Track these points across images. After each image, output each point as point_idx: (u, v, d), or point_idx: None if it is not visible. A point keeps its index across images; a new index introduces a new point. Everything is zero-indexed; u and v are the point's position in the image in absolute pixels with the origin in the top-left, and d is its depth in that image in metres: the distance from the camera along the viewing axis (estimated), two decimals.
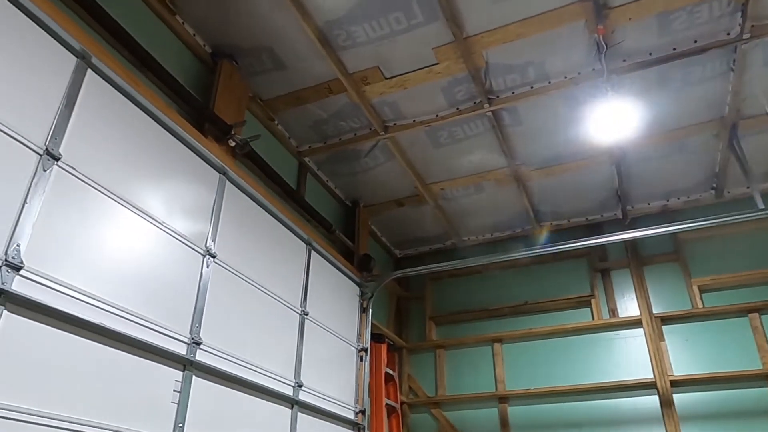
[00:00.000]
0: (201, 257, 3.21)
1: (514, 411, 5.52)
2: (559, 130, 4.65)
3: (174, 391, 2.83)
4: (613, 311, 5.52)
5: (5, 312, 2.12)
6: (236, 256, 3.52)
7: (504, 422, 5.48)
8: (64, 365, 2.31)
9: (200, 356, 3.02)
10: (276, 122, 4.59)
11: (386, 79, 4.14)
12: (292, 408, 3.78)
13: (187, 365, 2.93)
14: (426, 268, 5.27)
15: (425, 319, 6.30)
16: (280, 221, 4.08)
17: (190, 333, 3.00)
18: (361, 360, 4.89)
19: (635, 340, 5.31)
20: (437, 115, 4.46)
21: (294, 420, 3.77)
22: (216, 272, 3.31)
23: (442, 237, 6.33)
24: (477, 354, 5.94)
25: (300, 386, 3.88)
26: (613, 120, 4.12)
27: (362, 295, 5.14)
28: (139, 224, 2.84)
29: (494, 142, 4.78)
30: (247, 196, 3.77)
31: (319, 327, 4.33)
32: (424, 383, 6.04)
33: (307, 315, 4.15)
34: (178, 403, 2.83)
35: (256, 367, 3.47)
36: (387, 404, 5.19)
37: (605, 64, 3.84)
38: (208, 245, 3.26)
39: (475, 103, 4.34)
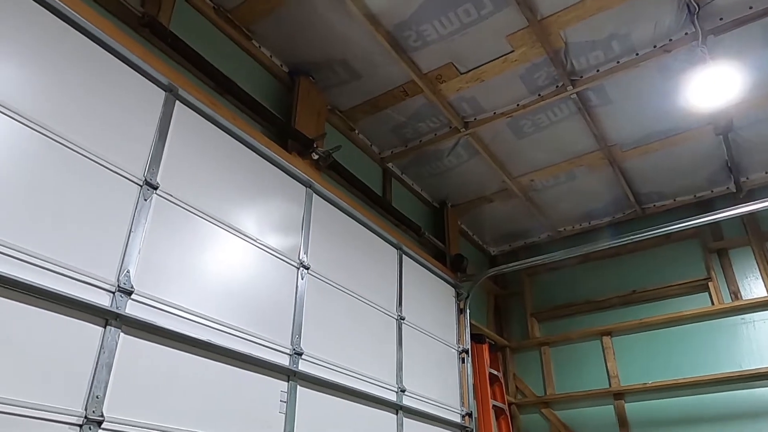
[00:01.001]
0: (295, 270, 3.29)
1: (632, 407, 5.18)
2: (653, 104, 4.33)
3: (281, 401, 2.91)
4: (735, 294, 5.04)
5: (122, 334, 2.27)
6: (329, 266, 3.58)
7: (622, 420, 5.16)
8: (178, 381, 2.44)
9: (303, 366, 3.09)
10: (357, 132, 4.64)
11: (461, 74, 4.06)
12: (397, 413, 3.78)
13: (290, 376, 3.00)
14: (522, 263, 5.09)
15: (526, 317, 6.10)
16: (368, 228, 4.11)
17: (291, 344, 3.07)
18: (463, 362, 4.80)
19: (765, 324, 4.82)
20: (518, 105, 4.31)
21: (400, 425, 3.76)
22: (311, 283, 3.37)
23: (536, 230, 6.10)
24: (585, 349, 5.65)
25: (403, 391, 3.87)
26: (713, 86, 3.79)
27: (458, 295, 5.05)
28: (235, 243, 2.96)
29: (582, 125, 4.54)
30: (334, 206, 3.82)
31: (417, 331, 4.31)
32: (532, 382, 5.83)
33: (403, 320, 4.14)
34: (286, 413, 2.91)
35: (358, 374, 3.50)
36: (494, 406, 5.06)
37: (699, 26, 3.53)
38: (301, 258, 3.34)
39: (557, 86, 4.15)
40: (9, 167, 2.08)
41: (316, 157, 3.75)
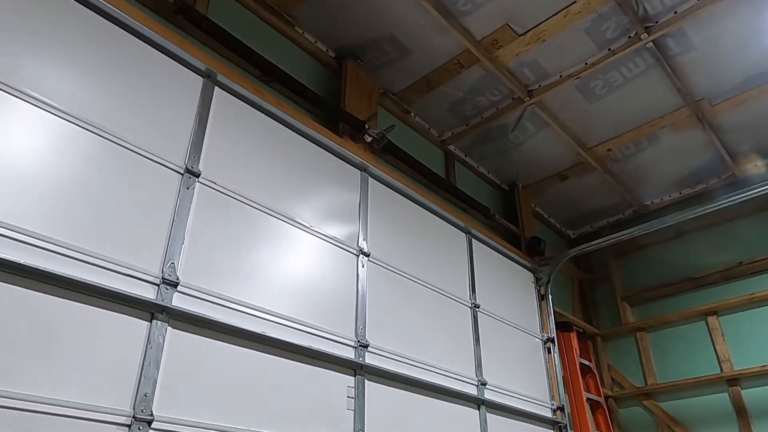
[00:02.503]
0: (355, 257, 3.08)
1: (750, 394, 4.57)
2: (745, 45, 3.80)
3: (348, 397, 2.69)
4: None
5: (169, 328, 2.13)
6: (391, 253, 3.34)
7: (740, 409, 4.56)
8: (232, 377, 2.27)
9: (369, 359, 2.86)
10: (413, 114, 4.39)
11: (519, 36, 3.72)
12: (479, 408, 3.47)
13: (357, 369, 2.78)
14: (605, 240, 4.62)
15: (617, 301, 5.57)
16: (432, 212, 3.84)
17: (356, 336, 2.85)
18: (549, 352, 4.40)
19: None
20: (587, 63, 3.91)
21: (483, 421, 3.44)
22: (373, 271, 3.15)
23: (619, 206, 5.58)
24: (688, 332, 5.07)
25: (484, 384, 3.55)
26: None
27: (537, 281, 4.66)
28: (288, 231, 2.78)
29: (663, 80, 4.06)
30: (393, 189, 3.59)
31: (495, 319, 3.97)
32: (629, 372, 5.31)
33: (478, 308, 3.82)
34: (354, 410, 2.68)
35: (432, 366, 3.23)
36: (589, 399, 4.62)
37: None
38: (360, 244, 3.12)
39: (629, 37, 3.72)
40: (52, 162, 2.00)
41: (369, 139, 3.54)
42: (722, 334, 4.85)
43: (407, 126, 4.43)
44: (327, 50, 3.83)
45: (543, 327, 4.48)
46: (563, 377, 4.49)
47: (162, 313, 2.12)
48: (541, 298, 4.61)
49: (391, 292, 3.22)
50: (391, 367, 2.97)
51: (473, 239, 4.11)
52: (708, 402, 4.77)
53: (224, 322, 2.29)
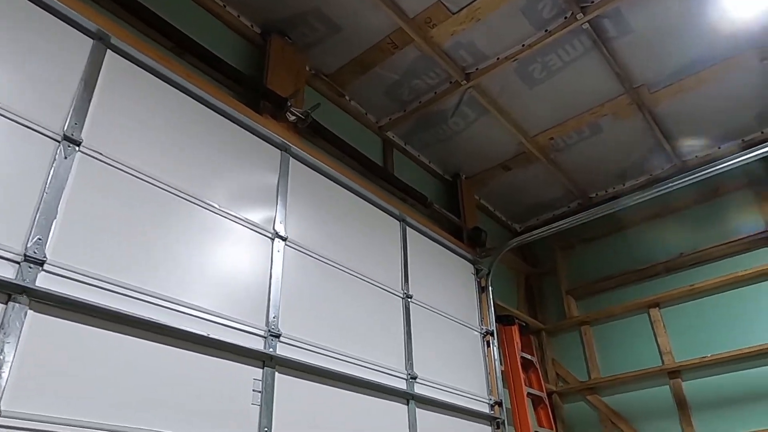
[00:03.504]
0: (269, 241, 2.85)
1: (690, 386, 4.52)
2: (682, 27, 3.73)
3: (254, 391, 2.46)
4: None
5: (30, 312, 1.87)
6: (314, 239, 3.13)
7: (680, 401, 4.50)
8: (117, 369, 2.02)
9: (281, 350, 2.63)
10: (347, 98, 4.19)
11: (453, 14, 3.57)
12: (408, 403, 3.27)
13: (266, 361, 2.56)
14: (545, 230, 4.49)
15: (562, 295, 5.48)
16: (363, 197, 3.64)
17: (267, 325, 2.62)
18: (488, 345, 4.25)
19: None
20: (524, 45, 3.79)
21: (412, 417, 3.25)
22: (291, 257, 2.93)
23: (564, 198, 5.49)
24: (631, 325, 5.00)
25: (414, 378, 3.36)
26: None
27: (477, 272, 4.51)
28: (195, 212, 2.55)
29: (601, 64, 3.97)
30: (319, 172, 3.38)
31: (429, 311, 3.80)
32: (573, 367, 5.21)
33: (410, 298, 3.64)
34: (261, 405, 2.45)
35: (356, 358, 3.02)
36: (530, 394, 4.49)
37: None
38: (276, 228, 2.90)
39: (565, 17, 3.60)
40: None
41: (292, 118, 3.32)
42: (664, 326, 4.79)
43: (342, 111, 4.23)
44: (252, 25, 3.60)
45: (482, 320, 4.33)
46: (503, 372, 4.35)
47: (22, 295, 1.86)
48: (482, 290, 4.46)
49: (312, 280, 3.01)
50: (308, 359, 2.75)
51: (408, 228, 3.93)
52: (650, 395, 4.70)
53: (104, 306, 2.03)
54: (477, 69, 3.97)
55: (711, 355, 4.40)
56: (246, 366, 2.48)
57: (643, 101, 4.30)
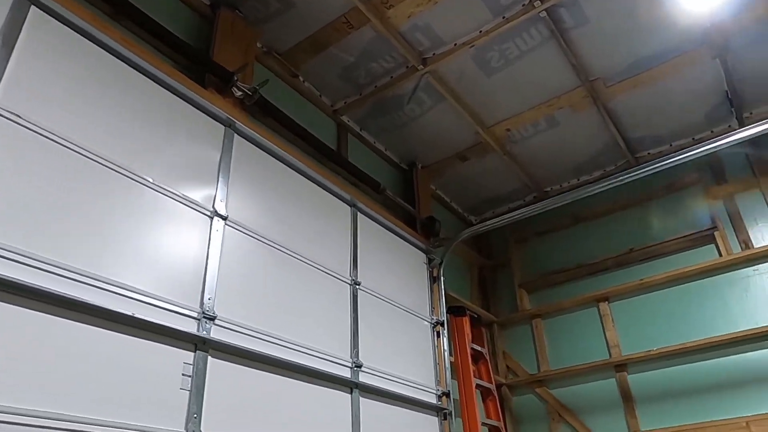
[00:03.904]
0: (208, 220, 2.71)
1: (635, 379, 4.57)
2: (638, 23, 3.73)
3: (183, 375, 2.32)
4: (745, 243, 4.44)
5: None
6: (257, 219, 3.00)
7: (626, 394, 4.55)
8: (30, 350, 1.85)
9: (216, 333, 2.50)
10: (301, 79, 4.06)
11: None
12: (352, 392, 3.18)
13: (198, 344, 2.42)
14: (498, 221, 4.47)
15: (515, 288, 5.49)
16: (312, 180, 3.52)
17: (201, 307, 2.49)
18: (438, 336, 4.20)
19: None
20: (481, 31, 3.73)
21: (356, 406, 3.16)
22: (231, 237, 2.79)
23: (520, 192, 5.48)
24: (581, 319, 5.04)
25: (359, 367, 3.27)
26: None
27: (430, 262, 4.45)
28: (127, 185, 2.39)
29: (558, 55, 3.95)
30: (265, 151, 3.24)
31: (378, 299, 3.71)
32: (524, 360, 5.22)
33: (359, 285, 3.54)
34: (191, 390, 2.32)
35: (297, 344, 2.91)
36: (479, 385, 4.45)
37: None
38: (216, 206, 2.75)
39: (523, 4, 3.56)
40: None
41: (238, 93, 3.18)
42: (612, 319, 4.84)
43: (296, 92, 4.10)
44: None
45: (433, 310, 4.28)
46: (452, 363, 4.30)
47: None
48: (433, 280, 4.40)
49: (254, 262, 2.88)
50: (246, 343, 2.62)
51: (359, 213, 3.83)
52: (597, 388, 4.74)
53: (19, 281, 1.87)
54: (434, 54, 3.90)
55: (656, 349, 4.46)
56: (177, 349, 2.34)
57: (599, 95, 4.31)
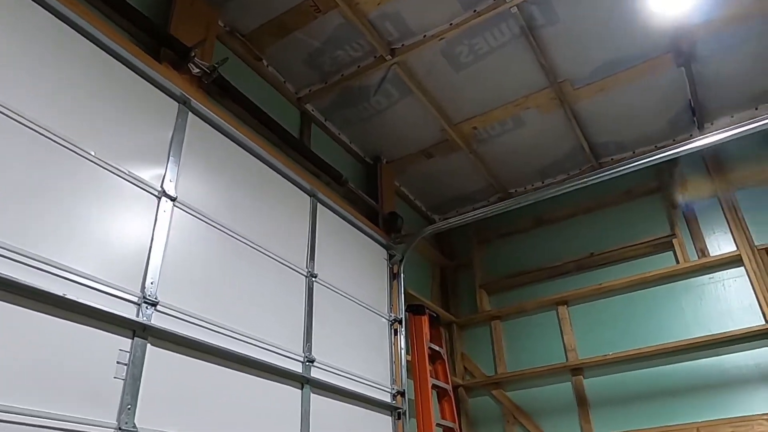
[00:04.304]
0: (155, 200, 2.55)
1: (591, 383, 4.57)
2: (608, 25, 3.73)
3: (118, 363, 2.16)
4: (702, 251, 4.49)
5: None
6: (210, 204, 2.85)
7: (581, 398, 4.54)
8: None
9: (157, 319, 2.34)
10: (265, 63, 3.92)
11: None
12: (302, 388, 3.06)
13: (137, 330, 2.26)
14: (461, 219, 4.41)
15: (475, 289, 5.44)
16: (272, 167, 3.39)
17: (142, 291, 2.33)
18: (396, 333, 4.11)
19: (735, 282, 4.27)
20: (451, 24, 3.66)
21: (306, 402, 3.04)
22: (179, 219, 2.64)
23: (485, 192, 5.45)
24: (540, 321, 5.03)
25: (311, 362, 3.15)
26: None
27: (390, 258, 4.36)
28: (66, 158, 2.22)
29: (528, 53, 3.92)
30: (223, 134, 3.10)
31: (335, 293, 3.60)
32: (482, 362, 5.18)
33: (315, 277, 3.42)
34: (126, 379, 2.16)
35: (245, 335, 2.77)
36: (436, 386, 4.37)
37: None
38: (164, 186, 2.60)
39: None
40: None
41: (196, 70, 3.02)
42: (570, 323, 4.84)
43: (259, 76, 3.96)
44: None
45: (392, 307, 4.18)
46: (409, 361, 4.21)
47: None
48: (393, 276, 4.32)
49: (203, 247, 2.73)
50: (190, 332, 2.47)
51: (319, 204, 3.71)
52: (552, 391, 4.72)
53: None
54: (403, 45, 3.82)
55: (612, 354, 4.46)
56: (112, 335, 2.18)
57: (566, 97, 4.30)
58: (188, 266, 2.61)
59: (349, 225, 4.01)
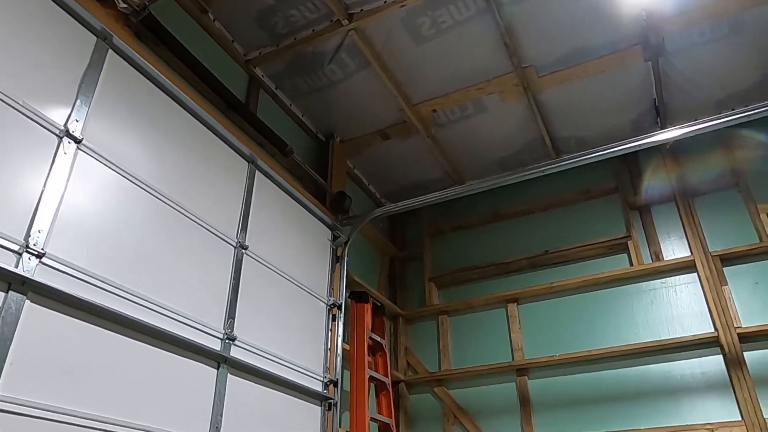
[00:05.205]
0: (56, 139, 2.22)
1: (535, 384, 4.39)
2: (577, 7, 3.56)
3: None
4: (656, 255, 4.37)
5: None
6: (125, 153, 2.53)
7: (524, 399, 4.36)
8: None
9: (43, 275, 2.02)
10: (211, 17, 3.61)
11: None
12: (218, 367, 2.76)
13: (13, 283, 1.94)
14: (412, 203, 4.16)
15: (425, 282, 5.22)
16: (206, 125, 3.09)
17: (26, 239, 2.00)
18: (334, 319, 3.84)
19: (687, 288, 4.16)
20: None
21: (222, 383, 2.74)
22: (84, 164, 2.32)
23: (441, 182, 5.21)
24: (488, 318, 4.83)
25: (232, 340, 2.85)
26: None
27: (335, 239, 4.10)
28: None
29: (493, 31, 3.71)
30: (150, 81, 2.78)
31: (267, 268, 3.31)
32: (426, 357, 4.95)
33: (245, 249, 3.13)
34: None
35: (155, 304, 2.46)
36: (374, 378, 4.12)
37: None
38: (69, 126, 2.27)
39: None
40: None
41: (122, 5, 2.70)
42: (519, 322, 4.66)
43: (205, 32, 3.65)
44: None
45: (332, 291, 3.92)
46: (347, 350, 3.95)
47: None
48: (336, 259, 4.05)
49: (114, 200, 2.41)
50: (85, 293, 2.15)
51: (258, 172, 3.42)
52: (496, 391, 4.53)
53: None
54: (361, 10, 3.57)
55: (558, 355, 4.30)
56: None
57: (530, 84, 4.12)
58: (92, 219, 2.29)
59: (292, 199, 3.73)
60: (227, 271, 2.97)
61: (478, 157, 4.92)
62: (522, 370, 4.46)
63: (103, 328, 2.22)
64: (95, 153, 2.37)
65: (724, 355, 3.80)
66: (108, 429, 2.15)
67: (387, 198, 5.50)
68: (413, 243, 5.54)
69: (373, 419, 3.95)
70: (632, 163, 4.77)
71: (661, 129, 4.45)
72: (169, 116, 2.87)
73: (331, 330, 3.78)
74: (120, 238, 2.40)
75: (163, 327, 2.45)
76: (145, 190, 2.58)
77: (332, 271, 3.98)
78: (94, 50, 2.50)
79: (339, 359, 3.72)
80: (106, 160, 2.42)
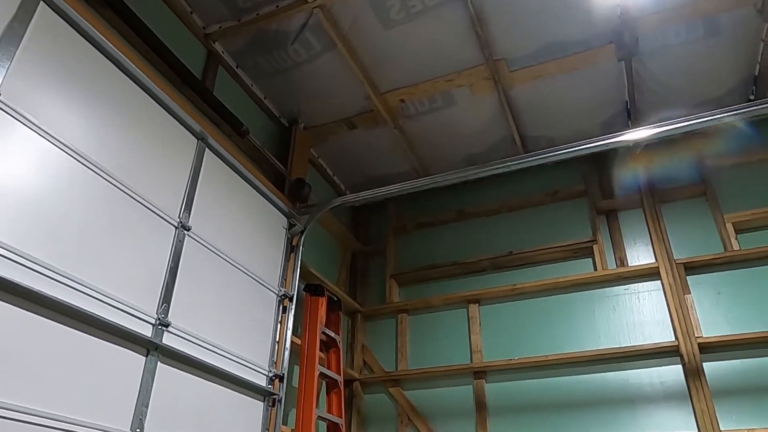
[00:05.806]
0: None
1: (493, 388, 4.26)
2: (551, 4, 3.45)
3: None
4: (621, 260, 4.29)
5: None
6: (55, 116, 2.32)
7: (480, 403, 4.23)
8: None
9: None
10: None
11: None
12: (147, 355, 2.55)
13: None
14: (373, 193, 4.00)
15: (386, 278, 5.06)
16: (151, 95, 2.88)
17: None
18: (284, 311, 3.65)
19: (650, 295, 4.08)
20: None
21: (150, 372, 2.53)
22: (1, 123, 2.10)
23: (407, 176, 5.01)
24: (449, 319, 4.69)
25: (165, 326, 2.65)
26: None
27: (290, 228, 3.91)
28: None
29: (464, 20, 3.58)
30: (90, 42, 2.57)
31: (212, 252, 3.11)
32: (383, 356, 4.79)
33: (187, 230, 2.93)
34: None
35: (78, 282, 2.25)
36: (325, 375, 3.95)
37: None
38: None
39: None
40: None
41: None
42: (480, 323, 4.53)
43: (163, 3, 3.43)
44: None
45: (284, 281, 3.73)
46: (297, 345, 3.77)
47: None
48: (291, 249, 3.87)
49: (36, 165, 2.19)
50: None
51: (208, 150, 3.22)
52: (452, 394, 4.39)
53: None
54: None
55: (517, 358, 4.18)
56: None
57: (501, 79, 4.00)
58: (11, 188, 2.07)
59: (245, 182, 3.54)
60: (165, 253, 2.77)
61: (446, 152, 4.79)
62: (480, 373, 4.32)
63: (18, 307, 2.01)
64: (15, 112, 2.15)
65: (684, 365, 3.72)
66: (11, 417, 1.93)
67: (352, 190, 5.32)
68: (377, 238, 5.38)
69: (321, 418, 3.78)
70: (602, 167, 4.69)
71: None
72: (111, 82, 2.66)
73: (280, 322, 3.59)
74: (43, 210, 2.18)
75: (87, 309, 2.24)
76: (75, 158, 2.37)
77: (286, 260, 3.80)
78: (22, 4, 2.28)
79: (287, 353, 3.53)
80: (29, 120, 2.20)
